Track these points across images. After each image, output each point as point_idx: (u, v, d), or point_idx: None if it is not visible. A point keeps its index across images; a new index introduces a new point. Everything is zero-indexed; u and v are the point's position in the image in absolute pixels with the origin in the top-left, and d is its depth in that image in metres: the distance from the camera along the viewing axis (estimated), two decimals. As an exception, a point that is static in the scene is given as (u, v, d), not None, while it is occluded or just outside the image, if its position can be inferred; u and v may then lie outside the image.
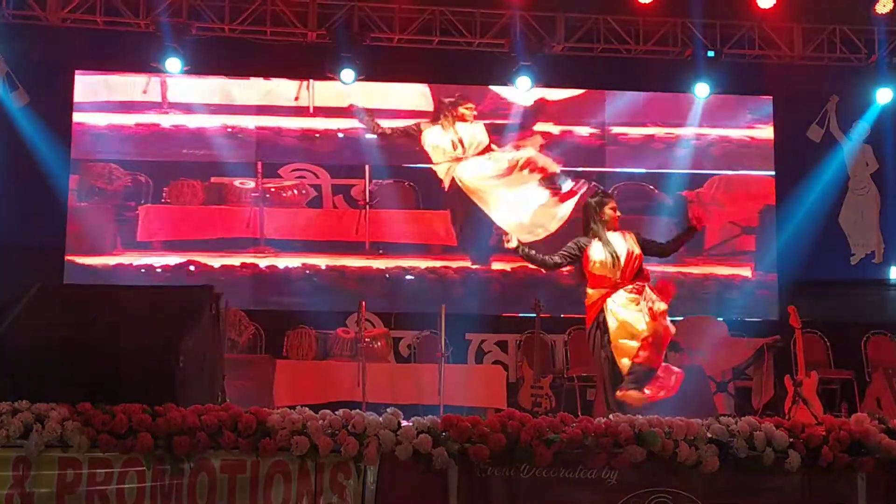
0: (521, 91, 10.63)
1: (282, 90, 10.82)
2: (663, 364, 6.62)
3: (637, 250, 6.65)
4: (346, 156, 10.77)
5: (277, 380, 8.78)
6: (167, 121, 10.62)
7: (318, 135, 10.79)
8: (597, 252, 6.61)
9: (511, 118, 10.91)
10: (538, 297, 9.64)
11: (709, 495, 4.67)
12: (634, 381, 6.42)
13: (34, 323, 5.05)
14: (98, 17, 10.15)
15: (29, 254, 9.78)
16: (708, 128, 11.10)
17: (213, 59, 10.46)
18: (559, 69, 10.59)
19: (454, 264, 10.71)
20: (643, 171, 11.02)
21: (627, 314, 6.52)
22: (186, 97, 10.64)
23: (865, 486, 4.77)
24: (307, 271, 10.58)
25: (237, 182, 10.65)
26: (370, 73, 10.42)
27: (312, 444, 4.47)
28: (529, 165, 10.82)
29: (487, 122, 10.85)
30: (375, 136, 10.75)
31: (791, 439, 4.75)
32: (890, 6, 10.02)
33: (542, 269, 7.63)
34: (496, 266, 10.74)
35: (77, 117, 10.46)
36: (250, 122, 10.70)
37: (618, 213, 6.76)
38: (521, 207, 10.70)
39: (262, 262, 10.54)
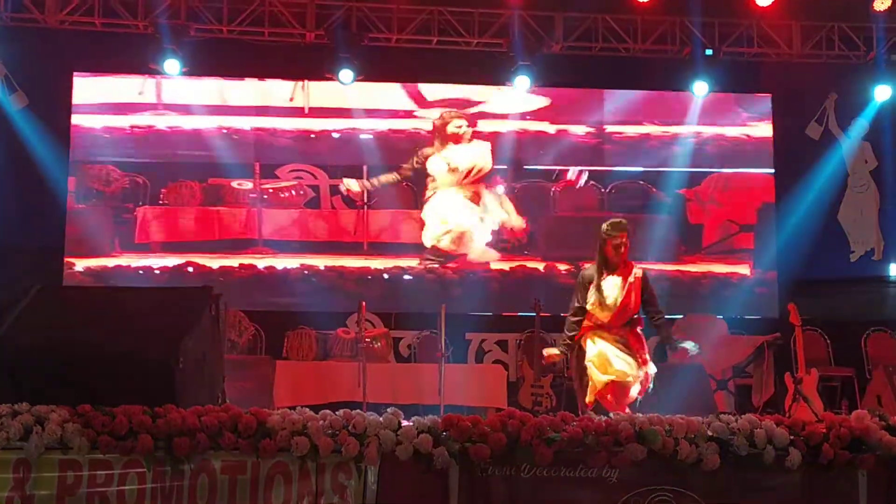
0: (520, 91, 10.62)
1: (276, 91, 10.81)
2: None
3: (632, 301, 6.53)
4: (344, 156, 10.76)
5: (278, 380, 8.77)
6: (163, 122, 10.61)
7: (313, 135, 10.78)
8: (590, 294, 6.59)
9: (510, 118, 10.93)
10: (538, 296, 9.64)
11: (709, 493, 4.67)
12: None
13: (34, 324, 5.05)
14: (96, 19, 10.15)
15: (28, 255, 9.77)
16: (706, 126, 11.09)
17: (212, 60, 10.45)
18: (558, 69, 10.58)
19: (453, 262, 10.72)
20: (641, 169, 11.02)
21: (608, 347, 6.52)
22: (181, 98, 10.63)
23: (866, 482, 4.78)
24: (305, 272, 10.57)
25: (235, 183, 10.64)
26: (368, 73, 10.42)
27: (313, 444, 4.47)
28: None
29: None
30: (371, 137, 10.74)
31: (792, 437, 4.76)
32: (888, 3, 10.02)
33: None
34: (495, 266, 10.74)
35: (75, 119, 10.46)
36: (245, 123, 10.70)
37: (624, 249, 6.56)
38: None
39: (261, 263, 10.53)
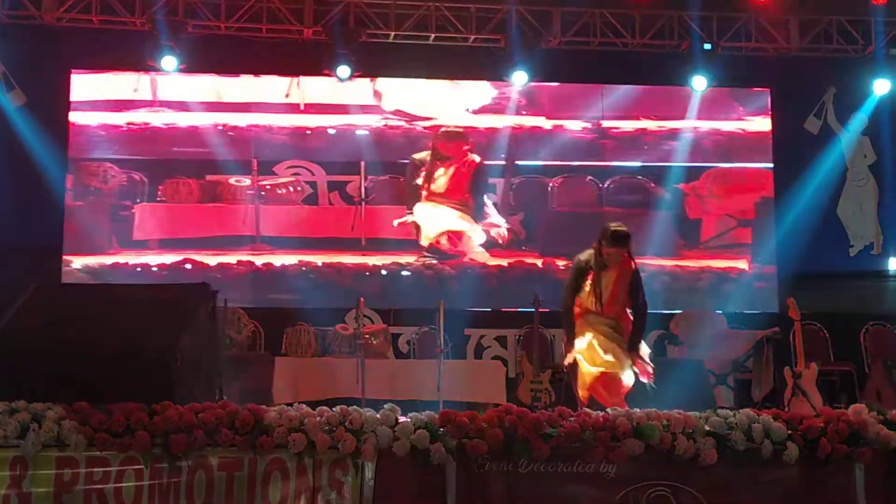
0: (517, 86, 10.61)
1: (272, 87, 10.79)
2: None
3: (622, 296, 6.52)
4: (341, 152, 10.75)
5: (277, 377, 8.75)
6: (159, 119, 10.60)
7: (309, 132, 10.77)
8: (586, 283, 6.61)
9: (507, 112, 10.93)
10: (536, 291, 9.63)
11: (707, 488, 4.67)
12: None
13: (31, 322, 5.05)
14: (94, 17, 10.14)
15: (26, 253, 9.74)
16: (705, 120, 11.08)
17: (210, 56, 10.44)
18: (556, 64, 10.58)
19: (451, 260, 10.71)
20: (639, 164, 11.01)
21: (596, 338, 6.50)
22: (177, 95, 10.61)
23: (864, 476, 4.78)
24: (303, 268, 10.56)
25: (232, 180, 10.63)
26: (366, 69, 10.42)
27: (310, 440, 4.47)
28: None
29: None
30: (368, 133, 10.74)
31: (789, 431, 4.76)
32: (887, -3, 10.02)
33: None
34: (493, 262, 10.73)
35: (73, 116, 10.45)
36: (242, 119, 10.68)
37: (622, 258, 6.53)
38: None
39: (259, 260, 10.53)
